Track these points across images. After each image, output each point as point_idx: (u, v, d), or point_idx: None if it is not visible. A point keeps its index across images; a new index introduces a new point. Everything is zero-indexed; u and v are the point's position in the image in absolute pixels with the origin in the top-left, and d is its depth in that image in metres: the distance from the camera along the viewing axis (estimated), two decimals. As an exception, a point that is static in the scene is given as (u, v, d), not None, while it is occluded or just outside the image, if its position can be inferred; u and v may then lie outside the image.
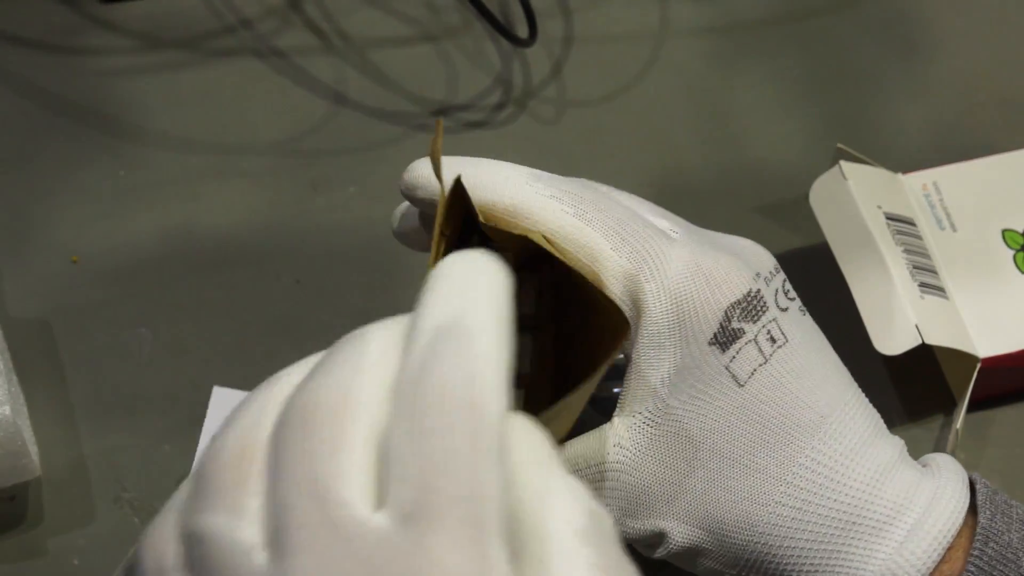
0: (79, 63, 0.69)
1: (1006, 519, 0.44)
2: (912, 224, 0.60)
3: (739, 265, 0.45)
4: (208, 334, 0.61)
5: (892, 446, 0.46)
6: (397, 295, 0.61)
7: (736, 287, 0.44)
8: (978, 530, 0.44)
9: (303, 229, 0.64)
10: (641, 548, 0.46)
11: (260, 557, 0.29)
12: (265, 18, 0.71)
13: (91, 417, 0.59)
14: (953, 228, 0.61)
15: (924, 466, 0.46)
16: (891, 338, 0.56)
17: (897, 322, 0.57)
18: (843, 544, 0.44)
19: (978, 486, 0.45)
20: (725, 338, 0.44)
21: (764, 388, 0.44)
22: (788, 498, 0.44)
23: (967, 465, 0.59)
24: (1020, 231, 0.61)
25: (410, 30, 0.71)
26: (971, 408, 0.59)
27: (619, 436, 0.44)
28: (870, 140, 0.68)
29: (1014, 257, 0.61)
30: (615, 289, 0.44)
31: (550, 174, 0.47)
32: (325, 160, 0.66)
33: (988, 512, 0.44)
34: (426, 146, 0.67)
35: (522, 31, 0.67)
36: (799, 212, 0.63)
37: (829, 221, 0.60)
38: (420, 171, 0.46)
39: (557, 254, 0.44)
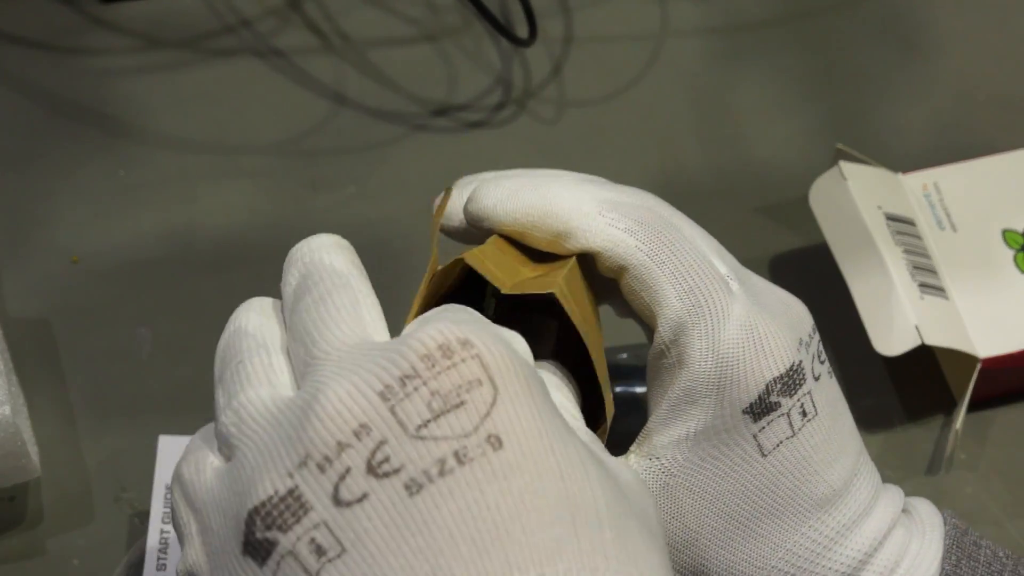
0: (79, 63, 0.69)
1: (972, 562, 0.45)
2: (912, 224, 0.60)
3: (789, 333, 0.44)
4: (208, 334, 0.61)
5: (891, 505, 0.46)
6: (397, 295, 0.61)
7: (782, 359, 0.43)
8: None
9: (303, 229, 0.64)
10: None
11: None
12: (265, 18, 0.71)
13: (91, 417, 0.59)
14: (953, 228, 0.61)
15: (906, 512, 0.47)
16: (891, 339, 0.56)
17: (897, 323, 0.56)
18: None
19: (947, 527, 0.46)
20: (760, 409, 0.43)
21: (786, 461, 0.44)
22: (785, 564, 0.44)
23: (967, 465, 0.59)
24: (1020, 231, 0.61)
25: (410, 30, 0.71)
26: (971, 408, 0.58)
27: (638, 493, 0.44)
28: (870, 140, 0.68)
29: (1014, 257, 0.61)
30: (666, 335, 0.43)
31: (620, 192, 0.45)
32: (325, 160, 0.66)
33: (954, 557, 0.45)
34: (426, 146, 0.68)
35: (522, 31, 0.67)
36: (799, 212, 0.63)
37: (829, 221, 0.60)
38: (486, 203, 0.45)
39: (573, 318, 0.43)
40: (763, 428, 0.43)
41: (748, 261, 0.47)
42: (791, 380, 0.44)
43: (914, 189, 0.62)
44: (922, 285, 0.58)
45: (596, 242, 0.44)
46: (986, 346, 0.58)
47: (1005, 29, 0.72)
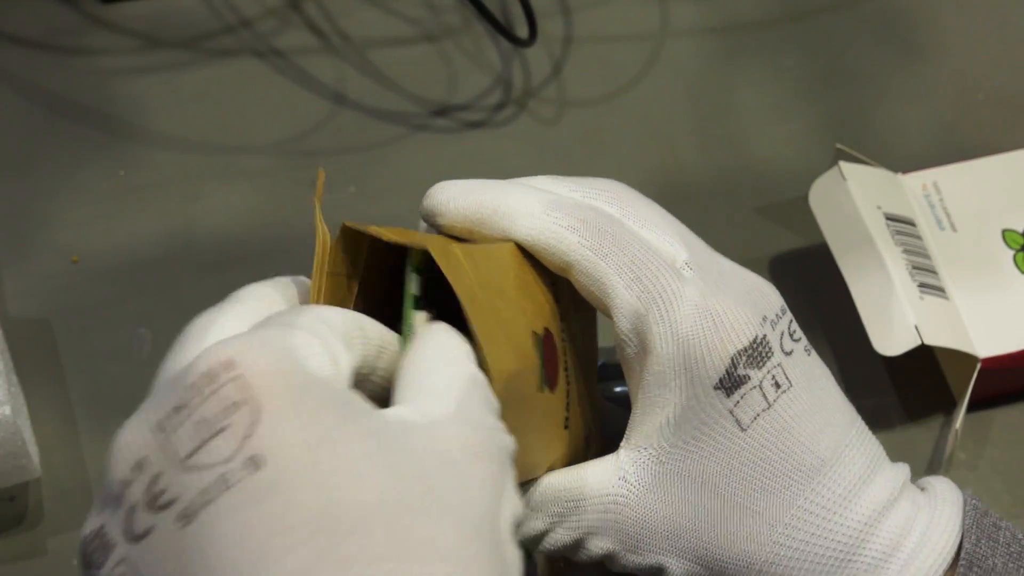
0: (79, 63, 0.69)
1: (991, 543, 0.45)
2: (912, 224, 0.60)
3: (747, 310, 0.44)
4: (208, 334, 0.61)
5: (893, 479, 0.46)
6: (397, 295, 0.61)
7: (743, 334, 0.44)
8: (962, 556, 0.44)
9: (303, 229, 0.64)
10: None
11: None
12: (265, 18, 0.71)
13: (91, 417, 0.59)
14: (953, 228, 0.61)
15: (923, 490, 0.47)
16: (890, 339, 0.56)
17: (896, 323, 0.57)
18: None
19: (967, 508, 0.46)
20: (730, 383, 0.44)
21: (767, 433, 0.44)
22: (786, 539, 0.44)
23: (967, 465, 0.59)
24: (1020, 231, 0.61)
25: (410, 30, 0.71)
26: (971, 408, 0.58)
27: (624, 470, 0.45)
28: (870, 140, 0.68)
29: (1014, 257, 0.61)
30: (623, 326, 0.44)
31: (571, 185, 0.47)
32: (325, 160, 0.66)
33: (974, 537, 0.45)
34: (426, 146, 0.68)
35: (522, 31, 0.67)
36: (799, 212, 0.63)
37: (828, 222, 0.60)
38: (440, 197, 0.46)
39: (450, 279, 0.42)
40: (737, 403, 0.44)
41: (748, 261, 0.47)
42: (756, 353, 0.44)
43: (914, 189, 0.62)
44: (922, 285, 0.58)
45: (539, 239, 0.45)
46: (986, 346, 0.58)
47: (1005, 29, 0.72)
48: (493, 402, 0.40)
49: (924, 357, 0.60)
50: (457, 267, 0.43)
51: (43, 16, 0.70)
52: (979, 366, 0.57)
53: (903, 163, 0.64)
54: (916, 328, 0.56)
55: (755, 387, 0.44)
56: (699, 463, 0.44)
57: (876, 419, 0.59)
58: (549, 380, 0.45)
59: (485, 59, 0.70)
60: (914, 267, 0.58)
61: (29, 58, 0.69)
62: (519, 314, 0.45)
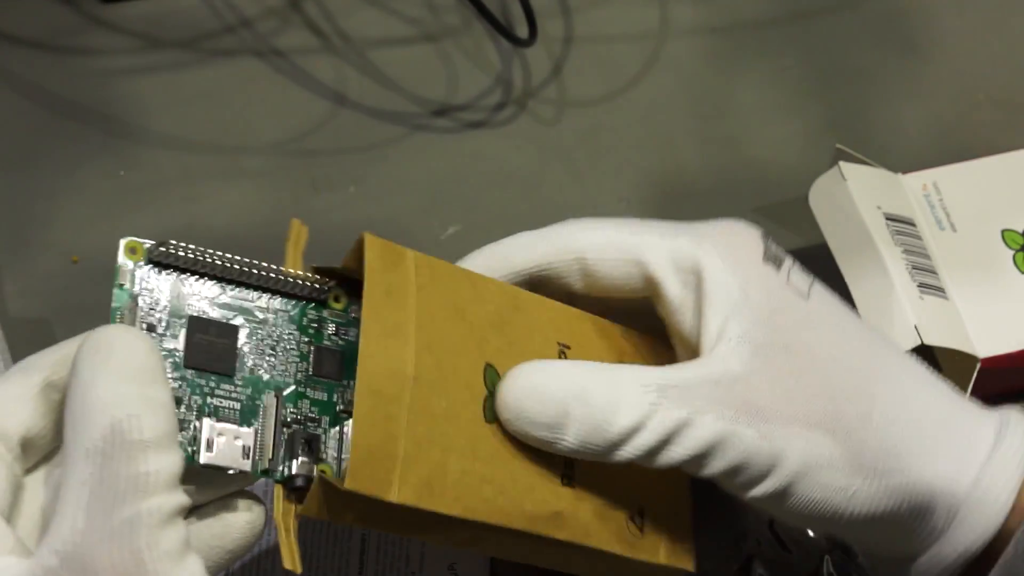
0: (79, 63, 0.69)
1: None
2: (912, 224, 0.60)
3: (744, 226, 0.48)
4: (208, 334, 0.61)
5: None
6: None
7: (755, 227, 0.47)
8: None
9: (303, 229, 0.64)
10: (752, 478, 0.44)
11: None
12: (265, 18, 0.71)
13: (91, 417, 0.59)
14: (953, 228, 0.61)
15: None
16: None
17: (896, 323, 0.57)
18: (946, 438, 0.45)
19: None
20: (772, 258, 0.46)
21: (825, 300, 0.46)
22: (888, 393, 0.45)
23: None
24: (1020, 231, 0.61)
25: (410, 30, 0.71)
26: None
27: (722, 357, 0.44)
28: (870, 140, 0.68)
29: (1014, 257, 0.61)
30: (662, 269, 0.46)
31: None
32: (325, 160, 0.66)
33: None
34: (426, 146, 0.68)
35: (522, 31, 0.67)
36: (799, 212, 0.63)
37: (828, 222, 0.60)
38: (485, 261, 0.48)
39: (366, 259, 0.45)
40: (789, 275, 0.46)
41: (748, 261, 0.47)
42: (775, 245, 0.47)
43: (914, 189, 0.62)
44: (921, 285, 0.58)
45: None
46: (985, 346, 0.58)
47: (1005, 29, 0.72)
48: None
49: (923, 357, 0.60)
50: (392, 264, 0.44)
51: (43, 16, 0.70)
52: (978, 366, 0.57)
53: (903, 163, 0.64)
54: (916, 328, 0.56)
55: (792, 267, 0.46)
56: (783, 334, 0.45)
57: None
58: None
59: (485, 59, 0.70)
60: (914, 267, 0.58)
61: (29, 58, 0.69)
62: (474, 342, 0.45)
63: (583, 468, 0.45)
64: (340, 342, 0.45)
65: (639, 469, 0.44)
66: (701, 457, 0.43)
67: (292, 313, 0.44)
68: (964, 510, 0.44)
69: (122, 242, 0.43)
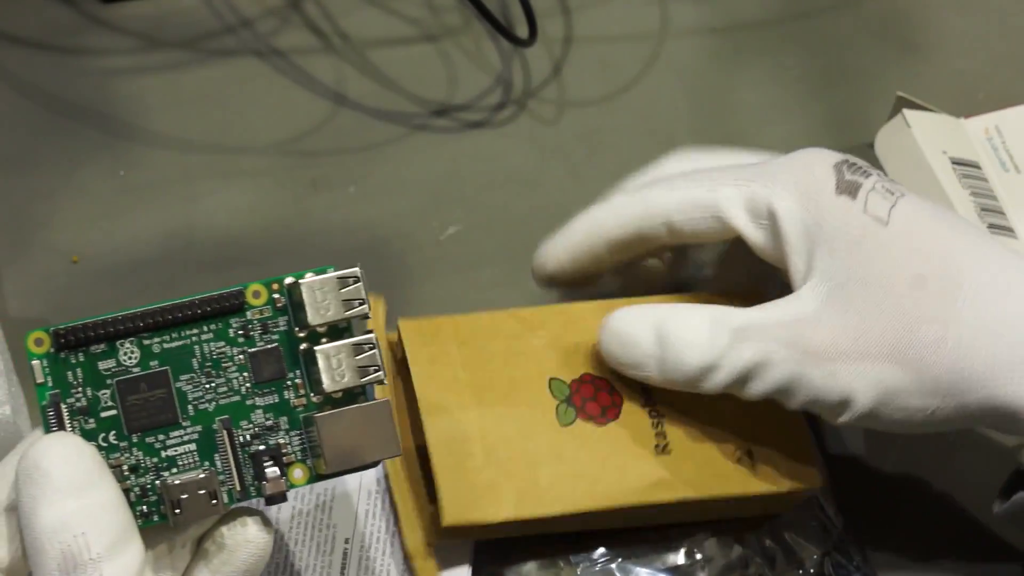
0: (79, 63, 0.69)
1: None
2: (977, 167, 0.61)
3: (819, 152, 0.48)
4: (208, 334, 0.61)
5: None
6: (397, 294, 0.61)
7: (829, 157, 0.47)
8: None
9: (303, 229, 0.64)
10: (831, 410, 0.46)
11: None
12: (265, 18, 0.71)
13: (91, 417, 0.59)
14: (1017, 170, 0.62)
15: None
16: None
17: None
18: None
19: None
20: (847, 188, 0.46)
21: (907, 222, 0.46)
22: (968, 316, 0.45)
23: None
24: None
25: (410, 30, 0.71)
26: None
27: (802, 299, 0.46)
28: (870, 140, 0.68)
29: None
30: (740, 219, 0.48)
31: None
32: (325, 160, 0.66)
33: None
34: (426, 146, 0.68)
35: (522, 31, 0.67)
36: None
37: (896, 169, 0.61)
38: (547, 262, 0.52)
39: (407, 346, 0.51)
40: (866, 203, 0.46)
41: (748, 261, 0.48)
42: (854, 166, 0.47)
43: (976, 133, 0.63)
44: (991, 226, 0.59)
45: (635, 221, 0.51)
46: None
47: (1005, 29, 0.72)
48: None
49: None
50: (431, 336, 0.51)
51: (43, 16, 0.70)
52: None
53: (903, 163, 0.64)
54: None
55: (871, 190, 0.46)
56: (863, 267, 0.45)
57: None
58: (592, 415, 0.49)
59: (485, 59, 0.70)
60: (982, 208, 0.59)
61: (29, 58, 0.69)
62: (533, 365, 0.50)
63: (676, 433, 0.50)
64: (273, 338, 0.44)
65: (738, 413, 0.49)
66: (778, 393, 0.46)
67: (216, 330, 0.44)
68: None
69: (27, 337, 0.43)
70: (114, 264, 0.63)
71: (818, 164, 0.47)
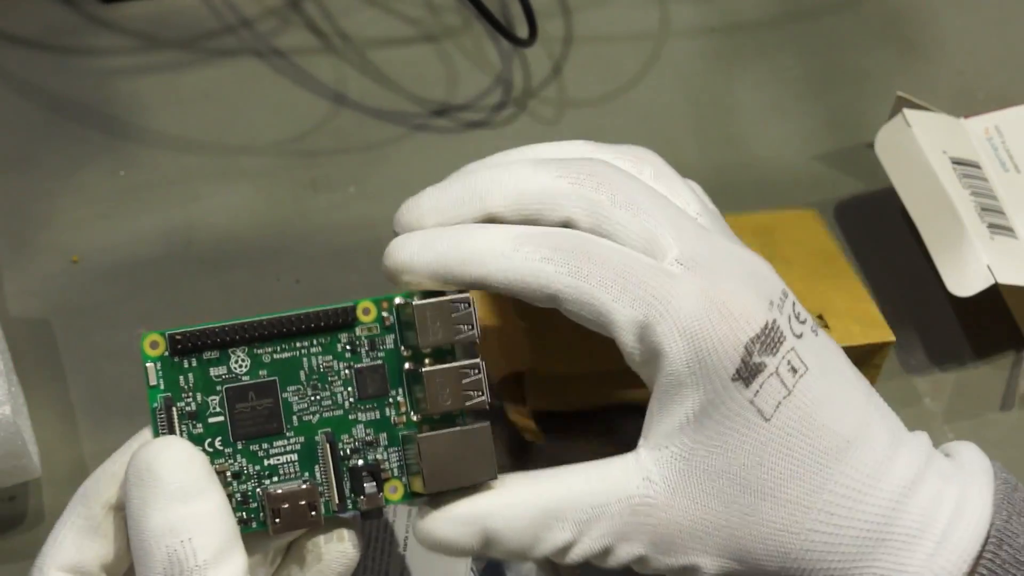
0: (79, 63, 0.69)
1: (1023, 520, 0.44)
2: (977, 167, 0.61)
3: (753, 295, 0.44)
4: (208, 334, 0.61)
5: (915, 451, 0.45)
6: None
7: (754, 320, 0.43)
8: (992, 533, 0.44)
9: (303, 229, 0.64)
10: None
11: None
12: (265, 18, 0.71)
13: (91, 417, 0.59)
14: (1017, 170, 0.62)
15: (947, 455, 0.46)
16: (964, 280, 0.57)
17: (969, 264, 0.57)
18: (874, 561, 0.44)
19: (997, 482, 0.45)
20: (747, 373, 0.43)
21: (790, 420, 0.44)
22: (820, 524, 0.44)
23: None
24: None
25: (410, 30, 0.71)
26: None
27: (647, 471, 0.44)
28: (870, 140, 0.68)
29: None
30: (627, 339, 0.43)
31: (555, 155, 0.46)
32: (325, 160, 0.66)
33: (1004, 513, 0.44)
34: (426, 146, 0.68)
35: (522, 31, 0.67)
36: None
37: (896, 168, 0.61)
38: (399, 256, 0.45)
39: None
40: (757, 392, 0.43)
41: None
42: (769, 339, 0.43)
43: (976, 133, 0.63)
44: (991, 226, 0.59)
45: (516, 278, 0.43)
46: None
47: (1005, 29, 0.72)
48: None
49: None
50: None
51: (43, 16, 0.70)
52: None
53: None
54: (989, 268, 0.57)
55: (772, 374, 0.43)
56: (725, 457, 0.44)
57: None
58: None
59: (485, 59, 0.70)
60: (983, 208, 0.60)
61: (29, 58, 0.69)
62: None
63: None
64: (379, 355, 0.44)
65: (807, 279, 0.54)
66: (628, 565, 0.45)
67: (325, 344, 0.44)
68: None
69: (143, 339, 0.43)
70: (114, 264, 0.63)
71: (729, 339, 0.43)
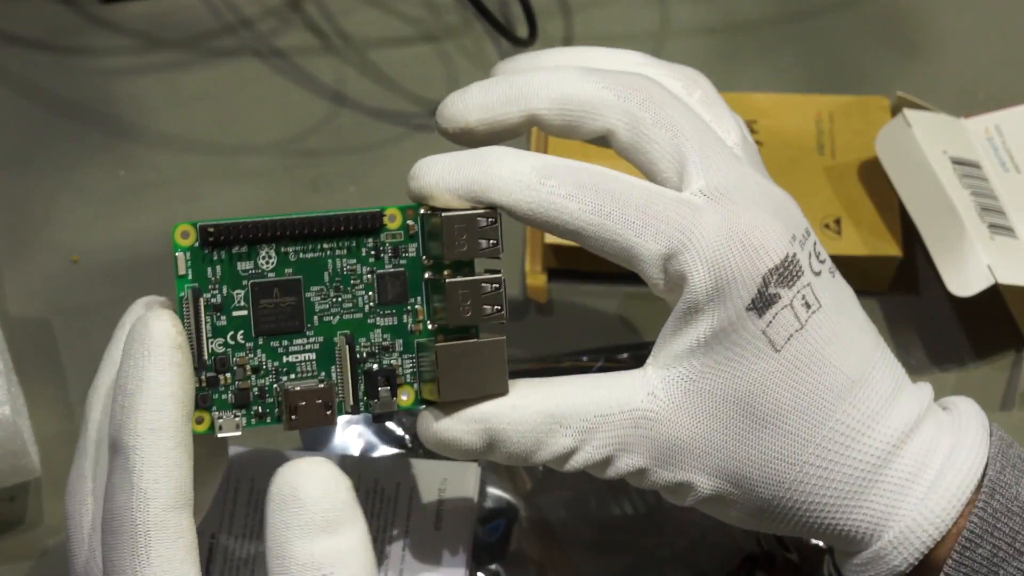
0: (79, 63, 0.69)
1: (1016, 472, 0.45)
2: (977, 167, 0.61)
3: (777, 229, 0.44)
4: (208, 334, 0.61)
5: (917, 398, 0.46)
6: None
7: (775, 252, 0.44)
8: (985, 482, 0.45)
9: (303, 229, 0.64)
10: (667, 495, 0.46)
11: None
12: (265, 18, 0.71)
13: (91, 417, 0.59)
14: (1017, 170, 0.62)
15: (945, 409, 0.47)
16: (964, 280, 0.57)
17: (970, 264, 0.57)
18: (866, 500, 0.45)
19: (993, 438, 0.46)
20: (762, 303, 0.44)
21: (799, 354, 0.44)
22: (816, 458, 0.45)
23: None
24: None
25: (410, 30, 0.71)
26: None
27: (653, 386, 0.45)
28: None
29: None
30: (652, 272, 0.44)
31: (559, 158, 0.45)
32: (325, 160, 0.66)
33: (998, 465, 0.45)
34: (426, 146, 0.68)
35: (522, 31, 0.67)
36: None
37: (896, 169, 0.61)
38: (427, 180, 0.45)
39: None
40: (770, 323, 0.44)
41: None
42: (787, 272, 0.44)
43: (976, 133, 0.63)
44: (992, 226, 0.59)
45: (539, 212, 0.44)
46: None
47: (1005, 29, 0.72)
48: None
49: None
50: None
51: (43, 16, 0.70)
52: None
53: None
54: (989, 268, 0.57)
55: (786, 306, 0.44)
56: (731, 383, 0.44)
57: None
58: None
59: (485, 59, 0.70)
60: (983, 208, 0.59)
61: (29, 58, 0.69)
62: None
63: None
64: (402, 262, 0.45)
65: (832, 181, 0.57)
66: (628, 478, 0.45)
67: (351, 247, 0.44)
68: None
69: (174, 229, 0.44)
70: (114, 264, 0.63)
71: (748, 269, 0.44)
